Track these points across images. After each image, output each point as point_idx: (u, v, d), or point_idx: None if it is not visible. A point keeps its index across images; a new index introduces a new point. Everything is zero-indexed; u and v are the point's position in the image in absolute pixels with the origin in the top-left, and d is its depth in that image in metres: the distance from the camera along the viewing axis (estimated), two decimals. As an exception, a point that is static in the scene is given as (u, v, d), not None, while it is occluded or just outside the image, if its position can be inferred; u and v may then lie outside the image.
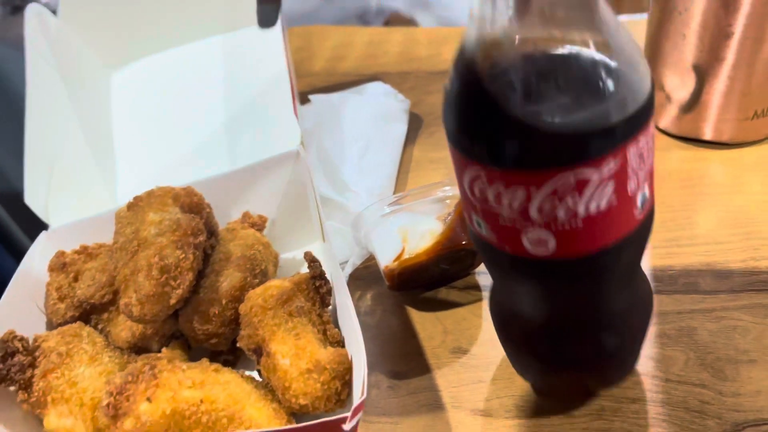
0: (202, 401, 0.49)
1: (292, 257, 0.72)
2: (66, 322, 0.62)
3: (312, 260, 0.60)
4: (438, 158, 0.81)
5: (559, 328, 0.47)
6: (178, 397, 0.49)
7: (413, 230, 0.60)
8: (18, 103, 1.00)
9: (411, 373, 0.59)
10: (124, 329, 0.61)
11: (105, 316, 0.62)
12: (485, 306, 0.63)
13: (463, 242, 0.60)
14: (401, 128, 0.81)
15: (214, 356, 0.65)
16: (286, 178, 0.69)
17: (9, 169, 1.44)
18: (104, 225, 0.69)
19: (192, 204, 0.60)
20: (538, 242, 0.38)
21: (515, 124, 0.34)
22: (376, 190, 0.71)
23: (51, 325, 0.63)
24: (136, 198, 0.60)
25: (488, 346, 0.59)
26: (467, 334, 0.61)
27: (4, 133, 1.02)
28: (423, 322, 0.63)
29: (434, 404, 0.56)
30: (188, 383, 0.50)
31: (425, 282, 0.65)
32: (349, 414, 0.43)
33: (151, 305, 0.55)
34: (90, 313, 0.63)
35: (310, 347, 0.52)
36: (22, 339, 0.54)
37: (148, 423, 0.47)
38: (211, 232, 0.62)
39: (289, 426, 0.44)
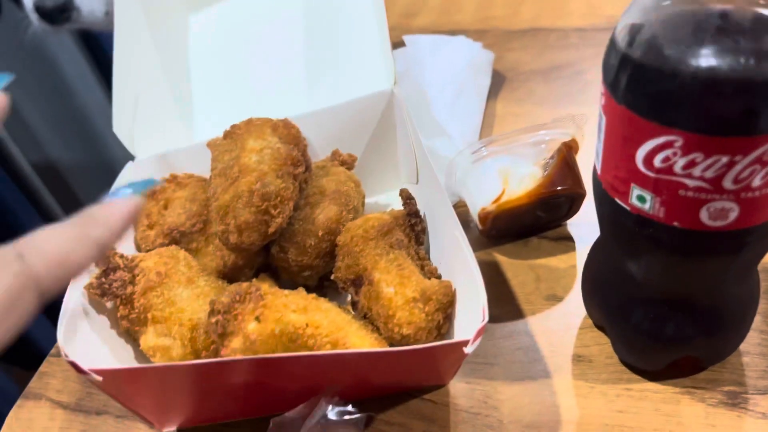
0: (307, 325, 0.49)
1: (374, 202, 0.71)
2: (155, 249, 0.62)
3: (408, 197, 0.59)
4: (520, 113, 0.80)
5: (682, 303, 0.46)
6: (285, 319, 0.48)
7: (514, 172, 0.58)
8: (55, 75, 1.00)
9: (504, 317, 0.58)
10: (214, 259, 0.61)
11: (193, 245, 0.62)
12: (579, 256, 0.62)
13: (566, 187, 0.58)
14: (485, 81, 0.79)
15: (300, 292, 0.64)
16: (376, 119, 0.67)
17: (46, 141, 1.46)
18: (188, 158, 0.69)
19: (290, 135, 0.59)
20: (719, 214, 0.37)
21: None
22: (468, 137, 0.70)
23: (140, 251, 0.63)
24: (233, 126, 0.59)
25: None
26: (562, 283, 0.60)
27: (42, 105, 1.02)
28: (514, 269, 0.62)
29: (530, 348, 0.55)
30: (293, 307, 0.49)
31: (518, 229, 0.63)
32: (471, 337, 0.42)
33: (249, 233, 0.55)
34: (178, 242, 0.62)
35: (414, 277, 0.51)
36: (122, 256, 0.54)
37: (257, 342, 0.46)
38: (307, 165, 0.61)
39: (412, 346, 0.43)
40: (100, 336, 0.52)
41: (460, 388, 0.54)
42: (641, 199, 0.40)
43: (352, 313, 0.55)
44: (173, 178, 0.65)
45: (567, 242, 0.63)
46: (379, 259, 0.53)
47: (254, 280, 0.59)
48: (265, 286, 0.51)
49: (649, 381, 0.51)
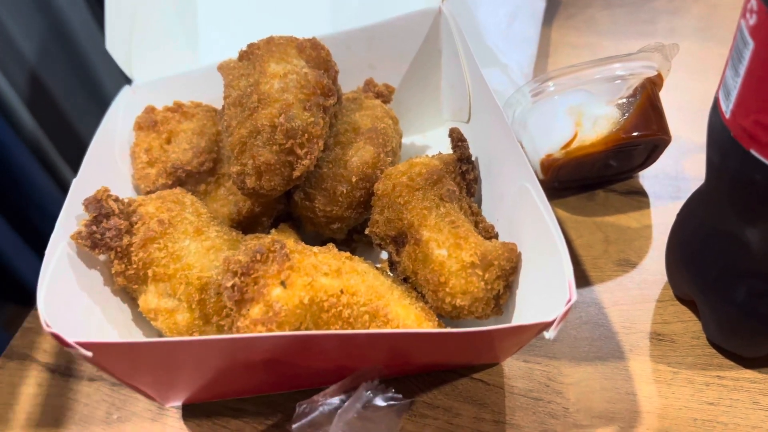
0: (342, 292, 0.40)
1: (410, 143, 0.62)
2: (156, 191, 0.52)
3: (459, 138, 0.50)
4: (579, 44, 0.69)
5: None
6: (317, 285, 0.39)
7: (587, 112, 0.49)
8: (63, 28, 0.89)
9: (568, 285, 0.50)
10: (226, 204, 0.52)
11: (202, 187, 0.53)
12: (654, 214, 0.53)
13: (650, 132, 0.48)
14: (541, 3, 0.68)
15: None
16: (418, 43, 0.57)
17: (57, 92, 1.35)
18: (194, 83, 0.59)
19: (319, 59, 0.49)
20: None
21: None
22: (524, 69, 0.59)
23: (139, 193, 0.53)
24: (251, 45, 0.49)
25: (663, 262, 0.49)
26: (635, 246, 0.51)
27: (51, 56, 0.91)
28: (579, 227, 0.53)
29: (599, 323, 0.47)
30: (324, 269, 0.40)
31: (583, 180, 0.54)
32: (555, 318, 0.33)
33: (270, 176, 0.45)
34: (183, 183, 0.53)
35: (473, 238, 0.42)
36: (117, 199, 0.45)
37: (282, 312, 0.38)
38: (338, 96, 0.51)
39: (477, 328, 0.35)
40: (91, 296, 0.43)
41: (516, 368, 0.45)
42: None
43: (391, 275, 0.46)
44: (178, 107, 0.55)
45: (639, 197, 0.54)
46: (427, 213, 0.43)
47: (273, 232, 0.50)
48: (290, 242, 0.42)
49: (744, 368, 0.43)
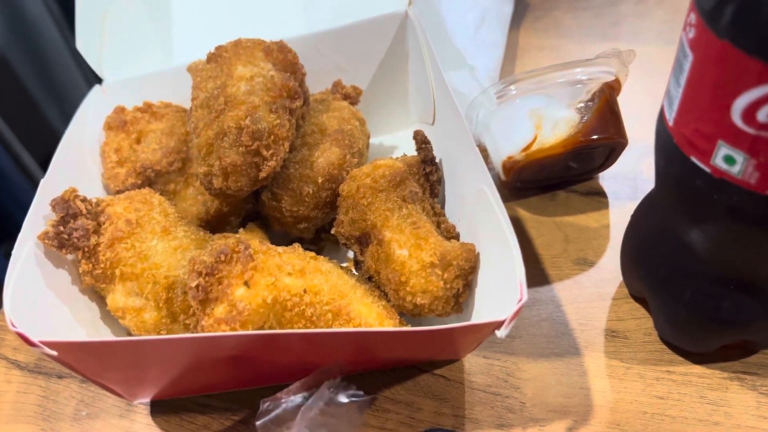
0: (305, 291, 0.41)
1: (379, 143, 0.63)
2: (125, 190, 0.53)
3: (423, 141, 0.51)
4: (546, 46, 0.70)
5: (747, 281, 0.39)
6: (280, 285, 0.40)
7: (548, 116, 0.50)
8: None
9: (528, 283, 0.50)
10: (195, 204, 0.52)
11: (171, 187, 0.53)
12: (612, 214, 0.55)
13: (608, 136, 0.50)
14: (508, 7, 0.69)
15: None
16: (385, 46, 0.58)
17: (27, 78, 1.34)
18: (164, 83, 0.59)
19: (286, 61, 0.50)
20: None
21: None
22: (491, 72, 0.61)
23: (109, 192, 0.54)
24: (219, 48, 0.50)
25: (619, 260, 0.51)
26: (594, 245, 0.53)
27: (17, 45, 0.91)
28: (539, 227, 0.54)
29: (556, 320, 0.49)
30: (288, 269, 0.42)
31: (544, 181, 0.55)
32: (506, 317, 0.35)
33: (236, 177, 0.46)
34: (153, 183, 0.54)
35: (432, 239, 0.43)
36: (85, 200, 0.45)
37: (246, 312, 0.39)
38: (305, 98, 0.52)
39: (434, 327, 0.36)
40: (58, 295, 0.44)
41: (476, 363, 0.47)
42: (729, 160, 0.32)
43: (356, 274, 0.47)
44: (147, 107, 0.55)
45: (599, 198, 0.56)
46: (390, 214, 0.45)
47: (241, 231, 0.51)
48: (255, 243, 0.43)
49: (693, 363, 0.45)
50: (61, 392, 0.49)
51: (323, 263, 0.45)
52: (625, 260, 0.47)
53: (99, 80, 0.59)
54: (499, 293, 0.39)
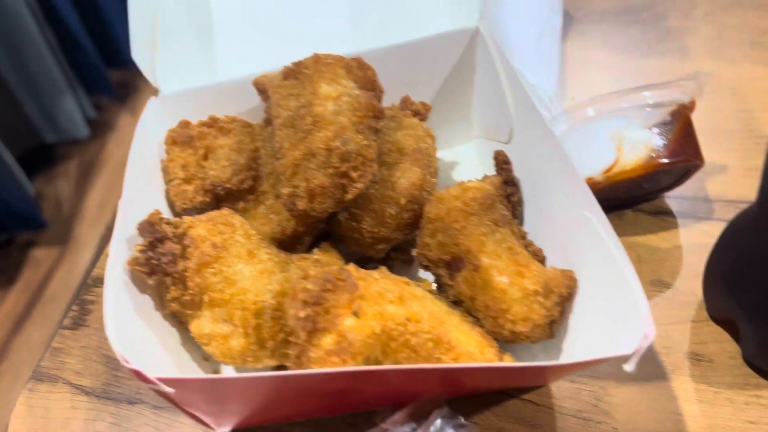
0: (408, 320, 0.40)
1: (439, 158, 0.62)
2: (193, 209, 0.51)
3: (505, 162, 0.50)
4: (593, 60, 0.70)
5: None
6: (386, 314, 0.39)
7: (629, 138, 0.50)
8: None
9: (606, 304, 0.51)
10: (267, 223, 0.51)
11: (240, 205, 0.52)
12: (681, 234, 0.55)
13: (688, 158, 0.50)
14: (558, 21, 0.69)
15: (361, 264, 0.56)
16: (452, 60, 0.57)
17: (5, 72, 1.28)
18: (220, 96, 0.58)
19: (366, 79, 0.49)
20: None
21: None
22: (552, 89, 0.60)
23: (173, 210, 0.52)
24: (297, 64, 0.48)
25: (695, 282, 0.51)
26: (666, 266, 0.53)
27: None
28: (611, 246, 0.54)
29: (638, 342, 0.48)
30: (390, 296, 0.41)
31: (614, 201, 0.55)
32: (635, 352, 0.35)
33: (322, 199, 0.45)
34: (221, 200, 0.52)
35: (534, 266, 0.43)
36: (169, 222, 0.44)
37: (356, 343, 0.38)
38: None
39: (566, 362, 0.36)
40: (146, 322, 0.42)
41: (564, 388, 0.47)
42: None
43: (445, 299, 0.46)
44: (213, 122, 0.53)
45: (666, 217, 0.56)
46: (485, 239, 0.44)
47: (316, 250, 0.50)
48: (352, 268, 0.42)
49: (781, 388, 0.45)
50: (134, 419, 0.48)
51: (414, 288, 0.44)
52: (712, 282, 0.47)
53: (155, 91, 0.57)
54: (605, 325, 0.39)
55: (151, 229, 0.42)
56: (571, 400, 0.46)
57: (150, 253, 0.41)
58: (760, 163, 0.54)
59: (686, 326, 0.49)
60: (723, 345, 0.48)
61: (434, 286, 0.49)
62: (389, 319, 0.39)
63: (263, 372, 0.38)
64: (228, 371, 0.49)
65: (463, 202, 0.45)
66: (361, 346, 0.38)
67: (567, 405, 0.46)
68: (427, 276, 0.52)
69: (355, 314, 0.38)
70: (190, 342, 0.46)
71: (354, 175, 0.45)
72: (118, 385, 0.50)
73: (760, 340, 0.44)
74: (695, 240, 0.54)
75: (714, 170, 0.58)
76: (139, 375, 0.34)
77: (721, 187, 0.57)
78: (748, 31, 0.71)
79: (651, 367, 0.47)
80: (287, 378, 0.36)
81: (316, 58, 0.48)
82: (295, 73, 0.48)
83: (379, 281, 0.42)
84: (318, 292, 0.39)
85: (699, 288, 0.51)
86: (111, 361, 0.51)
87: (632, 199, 0.56)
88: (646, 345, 0.35)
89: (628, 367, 0.35)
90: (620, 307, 0.38)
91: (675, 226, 0.55)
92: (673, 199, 0.57)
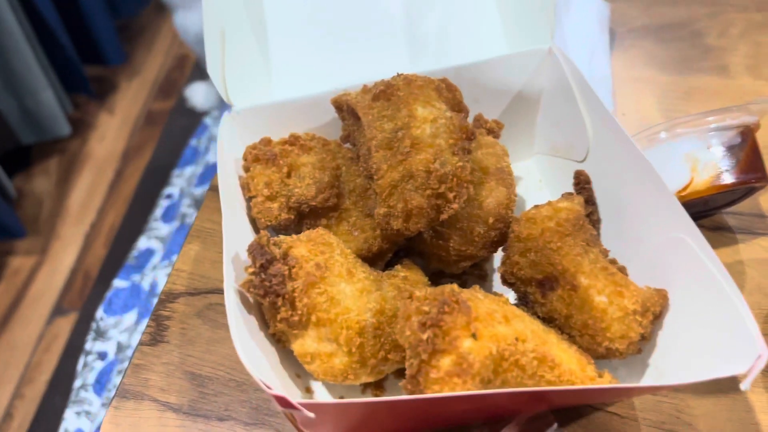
0: (517, 339, 0.42)
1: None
2: (277, 226, 0.52)
3: (586, 181, 0.52)
4: (641, 78, 0.72)
5: None
6: (498, 335, 0.41)
7: (702, 159, 0.52)
8: None
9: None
10: (350, 240, 0.52)
11: (323, 222, 0.53)
12: (742, 249, 0.57)
13: (757, 177, 0.52)
14: (606, 37, 0.71)
15: (435, 279, 0.57)
16: (522, 79, 0.59)
17: None
18: (291, 113, 0.58)
19: (455, 100, 0.50)
20: None
21: None
22: (609, 105, 0.62)
23: (257, 227, 0.53)
24: (388, 86, 0.49)
25: (759, 296, 0.54)
26: (731, 280, 0.55)
27: None
28: (676, 261, 0.57)
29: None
30: (497, 317, 0.42)
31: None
32: (751, 372, 0.36)
33: (417, 219, 0.46)
34: (305, 218, 0.53)
35: (632, 286, 0.44)
36: (276, 243, 0.44)
37: (476, 364, 0.39)
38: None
39: (666, 383, 0.37)
40: (256, 342, 0.43)
41: (644, 400, 0.49)
42: None
43: (535, 316, 0.48)
44: (295, 140, 0.54)
45: (726, 233, 0.58)
46: (581, 260, 0.45)
47: (399, 267, 0.51)
48: (456, 287, 0.43)
49: None
50: (227, 436, 0.48)
51: (513, 307, 0.45)
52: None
53: (227, 107, 0.57)
54: (705, 342, 0.41)
55: (261, 251, 0.43)
56: (654, 412, 0.48)
57: (263, 275, 0.42)
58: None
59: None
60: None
61: (513, 302, 0.51)
62: (502, 340, 0.41)
63: (398, 396, 0.39)
64: (318, 387, 0.49)
65: (556, 222, 0.47)
66: (480, 367, 0.39)
67: (650, 417, 0.48)
68: (503, 290, 0.54)
69: (474, 336, 0.40)
70: (287, 360, 0.47)
71: (450, 195, 0.46)
72: (205, 401, 0.50)
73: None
74: (755, 255, 0.56)
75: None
76: (281, 401, 0.34)
77: (771, 203, 0.60)
78: (782, 47, 0.74)
79: (727, 380, 0.49)
80: (412, 402, 0.37)
81: (408, 80, 0.49)
82: (386, 94, 0.49)
83: (484, 301, 0.43)
84: (436, 314, 0.40)
85: (763, 301, 0.53)
86: (196, 378, 0.51)
87: (695, 215, 0.58)
88: (762, 365, 0.36)
89: (744, 386, 0.37)
90: (724, 327, 0.40)
91: (735, 241, 0.58)
92: (730, 215, 0.59)
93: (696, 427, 0.47)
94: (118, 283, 1.41)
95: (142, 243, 1.49)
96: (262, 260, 0.42)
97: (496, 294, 0.54)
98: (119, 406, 0.50)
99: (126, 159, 1.76)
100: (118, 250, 1.50)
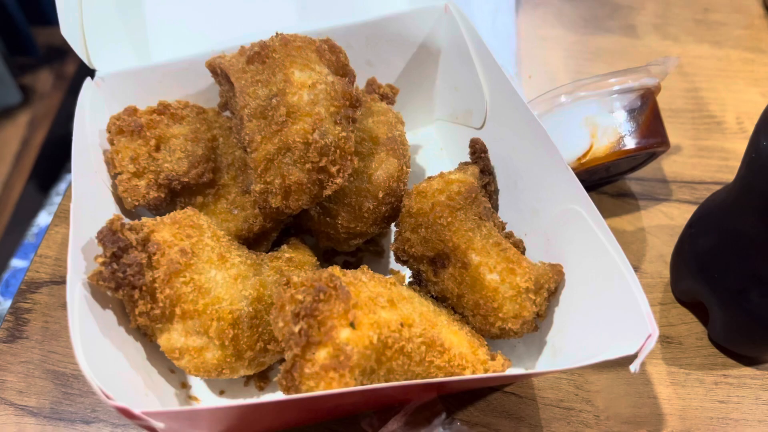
0: (402, 325, 0.38)
1: (399, 140, 0.60)
2: (146, 205, 0.47)
3: (483, 150, 0.49)
4: (549, 36, 0.69)
5: None
6: (380, 321, 0.37)
7: (602, 124, 0.50)
8: None
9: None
10: (230, 219, 0.47)
11: (198, 200, 0.48)
12: (644, 216, 0.56)
13: (658, 141, 0.51)
14: (513, -5, 0.67)
15: (328, 257, 0.53)
16: (418, 40, 0.54)
17: None
18: (163, 78, 0.52)
19: (338, 63, 0.45)
20: None
21: None
22: (512, 68, 0.59)
23: (123, 207, 0.47)
24: (263, 47, 0.44)
25: (659, 264, 0.53)
26: (632, 249, 0.53)
27: None
28: (579, 231, 0.55)
29: (611, 327, 0.49)
30: (381, 301, 0.39)
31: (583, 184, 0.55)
32: (639, 353, 0.34)
33: (298, 196, 0.42)
34: (177, 195, 0.48)
35: (525, 262, 0.42)
36: (132, 228, 0.39)
37: (354, 355, 0.35)
38: (356, 102, 0.48)
39: (563, 367, 0.35)
40: (111, 340, 0.38)
41: (544, 378, 0.47)
42: None
43: (429, 296, 0.45)
44: (164, 108, 0.48)
45: (628, 199, 0.57)
46: (472, 235, 0.42)
47: (285, 247, 0.47)
48: (337, 270, 0.40)
49: (744, 366, 0.48)
50: (93, 440, 0.43)
51: (402, 288, 0.42)
52: (681, 265, 0.48)
53: (90, 72, 0.51)
54: (600, 320, 0.39)
55: (113, 238, 0.37)
56: (552, 390, 0.46)
57: (114, 266, 0.37)
58: (711, 144, 0.56)
59: (655, 309, 0.50)
60: (690, 326, 0.49)
61: (408, 280, 0.48)
62: (384, 327, 0.37)
63: (263, 399, 0.35)
64: (196, 382, 0.45)
65: (447, 196, 0.44)
66: (359, 359, 0.36)
67: (549, 395, 0.46)
68: (399, 268, 0.51)
69: (352, 325, 0.36)
70: (155, 354, 0.42)
71: (333, 169, 0.42)
72: (69, 403, 0.45)
73: (729, 322, 0.45)
74: (657, 222, 0.55)
75: (669, 151, 0.59)
76: (124, 412, 0.30)
77: (677, 168, 0.59)
78: (690, 7, 0.72)
79: (626, 352, 0.48)
80: (284, 404, 0.33)
81: (285, 41, 0.44)
82: (261, 56, 0.44)
83: (368, 285, 0.40)
84: (310, 303, 0.36)
85: (664, 270, 0.52)
86: (59, 377, 0.46)
87: (597, 182, 0.56)
88: (651, 345, 0.35)
89: (633, 367, 0.35)
90: (617, 305, 0.38)
91: (637, 208, 0.56)
92: (633, 181, 0.58)
93: (594, 403, 0.45)
94: (17, 262, 1.31)
95: (43, 219, 1.39)
96: (114, 248, 0.37)
97: (393, 272, 0.51)
98: (-31, 413, 0.44)
99: (32, 127, 1.62)
100: (16, 227, 1.39)
